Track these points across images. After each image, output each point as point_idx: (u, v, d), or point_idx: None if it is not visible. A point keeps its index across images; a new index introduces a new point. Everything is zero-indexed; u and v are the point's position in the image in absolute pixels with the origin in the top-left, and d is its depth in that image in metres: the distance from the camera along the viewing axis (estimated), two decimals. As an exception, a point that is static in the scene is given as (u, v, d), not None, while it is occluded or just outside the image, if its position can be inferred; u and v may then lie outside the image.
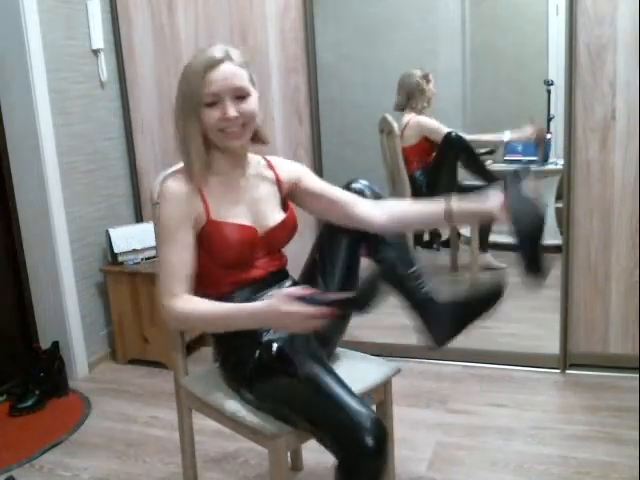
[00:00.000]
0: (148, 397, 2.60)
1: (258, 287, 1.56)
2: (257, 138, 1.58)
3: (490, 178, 3.39)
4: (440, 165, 3.41)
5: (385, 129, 3.42)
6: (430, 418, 2.28)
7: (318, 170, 2.80)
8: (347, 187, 1.66)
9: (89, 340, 2.88)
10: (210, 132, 1.48)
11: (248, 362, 1.49)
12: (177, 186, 1.48)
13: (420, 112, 3.44)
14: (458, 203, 1.54)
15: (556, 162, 3.39)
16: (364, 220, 1.59)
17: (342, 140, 3.39)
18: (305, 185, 1.65)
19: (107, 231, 2.87)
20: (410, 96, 3.44)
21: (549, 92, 3.31)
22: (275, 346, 1.47)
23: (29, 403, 2.52)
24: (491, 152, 3.52)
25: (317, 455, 2.05)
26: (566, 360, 2.58)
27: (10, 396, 2.61)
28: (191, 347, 2.92)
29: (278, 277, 1.61)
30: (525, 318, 3.01)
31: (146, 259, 2.87)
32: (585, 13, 2.32)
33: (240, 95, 1.46)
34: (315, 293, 1.31)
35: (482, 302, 1.64)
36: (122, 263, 2.86)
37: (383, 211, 1.59)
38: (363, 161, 3.52)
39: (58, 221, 2.68)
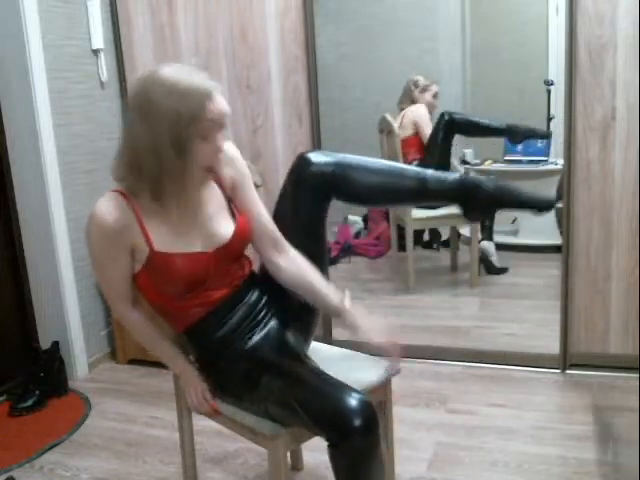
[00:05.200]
0: (148, 397, 2.60)
1: (228, 305, 1.52)
2: None
3: (500, 131, 3.46)
4: (434, 148, 3.44)
5: (385, 129, 3.42)
6: (430, 418, 2.28)
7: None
8: (300, 156, 1.60)
9: (89, 340, 2.88)
10: (195, 168, 1.35)
11: (232, 378, 1.51)
12: (108, 216, 1.39)
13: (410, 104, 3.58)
14: (350, 314, 1.52)
15: (556, 162, 3.39)
16: (270, 264, 1.57)
17: (342, 140, 3.39)
18: (240, 195, 1.55)
19: (107, 231, 2.86)
20: (404, 96, 3.54)
21: (549, 92, 3.32)
22: (255, 353, 1.51)
23: (29, 403, 2.52)
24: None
25: (317, 455, 2.05)
26: (566, 360, 2.58)
27: (10, 396, 2.61)
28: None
29: (245, 287, 1.56)
30: (525, 318, 3.02)
31: (146, 259, 2.87)
32: (585, 13, 2.32)
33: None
34: None
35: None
36: (122, 263, 2.85)
37: (289, 270, 1.55)
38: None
39: (58, 221, 2.68)
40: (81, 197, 2.82)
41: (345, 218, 4.09)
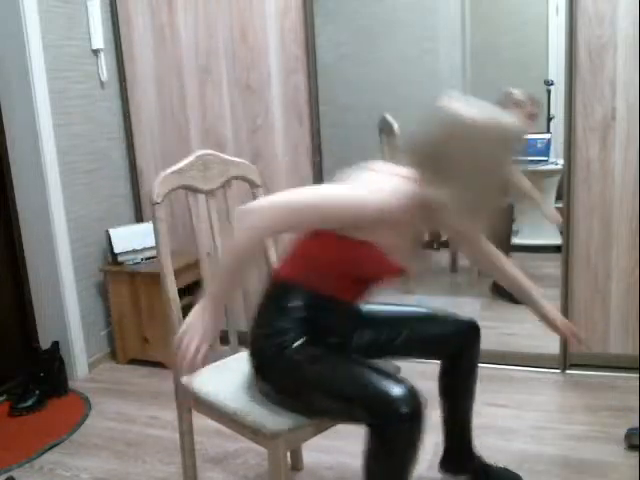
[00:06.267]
0: (148, 397, 2.60)
1: (345, 308, 1.56)
2: None
3: None
4: None
5: (385, 129, 3.42)
6: (430, 418, 2.28)
7: (318, 170, 2.80)
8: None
9: (89, 340, 2.88)
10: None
11: (282, 355, 1.48)
12: (394, 210, 1.37)
13: None
14: (547, 309, 1.76)
15: (556, 162, 3.39)
16: (473, 250, 1.75)
17: (342, 140, 3.39)
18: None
19: (107, 231, 2.87)
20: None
21: (549, 92, 3.32)
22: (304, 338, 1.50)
23: (29, 403, 2.52)
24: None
25: (317, 455, 2.05)
26: (566, 360, 2.58)
27: (10, 396, 2.61)
28: (191, 347, 2.92)
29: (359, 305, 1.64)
30: (525, 318, 3.00)
31: (146, 259, 2.87)
32: (585, 13, 2.32)
33: None
34: None
35: None
36: (122, 263, 2.86)
37: (490, 255, 1.74)
38: (363, 161, 3.52)
39: (58, 221, 2.68)
40: (81, 197, 2.82)
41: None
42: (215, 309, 1.46)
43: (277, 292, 1.54)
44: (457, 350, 1.73)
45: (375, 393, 1.34)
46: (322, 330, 1.53)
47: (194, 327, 1.44)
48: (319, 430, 1.51)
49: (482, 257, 1.75)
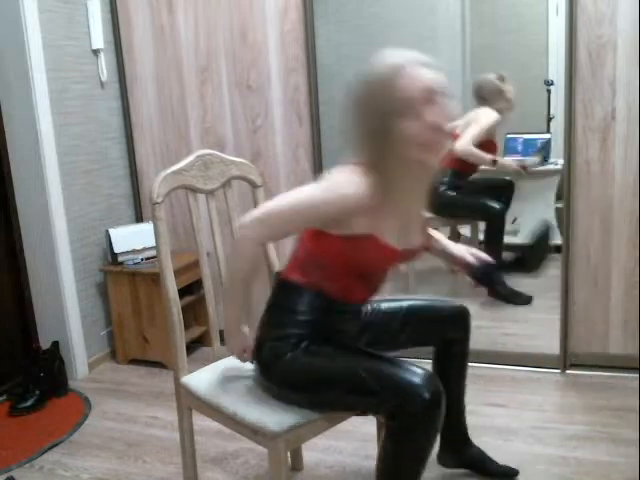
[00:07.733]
0: (148, 397, 2.60)
1: (354, 305, 1.58)
2: None
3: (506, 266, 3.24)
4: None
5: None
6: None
7: (318, 170, 2.80)
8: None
9: (89, 340, 2.88)
10: (404, 150, 1.38)
11: (299, 352, 1.49)
12: (363, 194, 1.37)
13: (499, 112, 3.19)
14: (440, 242, 1.76)
15: (556, 162, 3.39)
16: None
17: (342, 140, 3.39)
18: None
19: (107, 231, 2.87)
20: (489, 99, 3.22)
21: (549, 92, 3.31)
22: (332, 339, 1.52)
23: (29, 403, 2.52)
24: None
25: (317, 455, 2.05)
26: (566, 360, 2.58)
27: (10, 396, 2.61)
28: (191, 347, 2.92)
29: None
30: (525, 318, 3.02)
31: (146, 259, 2.87)
32: (585, 13, 2.32)
33: None
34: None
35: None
36: (122, 263, 2.86)
37: None
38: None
39: (58, 221, 2.68)
40: (81, 197, 2.82)
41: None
42: (239, 328, 1.54)
43: (284, 295, 1.55)
44: (450, 334, 1.77)
45: (395, 383, 1.36)
46: (331, 330, 1.54)
47: (229, 337, 1.55)
48: (319, 430, 1.51)
49: None
